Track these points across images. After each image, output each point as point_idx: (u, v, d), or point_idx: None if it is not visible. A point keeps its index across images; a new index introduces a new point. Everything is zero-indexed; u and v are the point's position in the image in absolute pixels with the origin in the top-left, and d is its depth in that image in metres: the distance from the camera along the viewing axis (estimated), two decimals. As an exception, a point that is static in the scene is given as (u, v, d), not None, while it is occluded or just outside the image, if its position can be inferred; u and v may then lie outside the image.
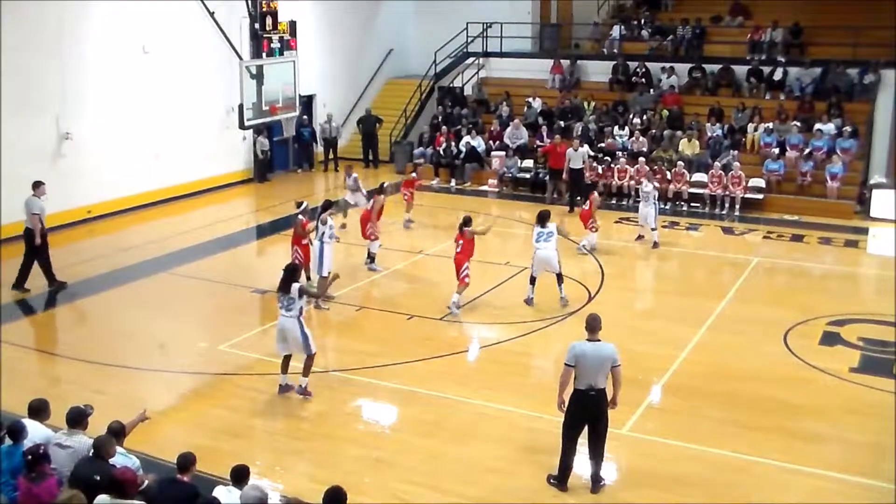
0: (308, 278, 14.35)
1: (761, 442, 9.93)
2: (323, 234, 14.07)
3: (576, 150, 21.13)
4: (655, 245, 17.72)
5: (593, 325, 8.76)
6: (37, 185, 14.82)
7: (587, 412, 8.73)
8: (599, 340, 8.71)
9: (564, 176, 21.28)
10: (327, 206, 14.49)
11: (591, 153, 22.02)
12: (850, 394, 11.30)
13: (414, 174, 20.15)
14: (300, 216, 14.48)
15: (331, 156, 26.00)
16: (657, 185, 18.72)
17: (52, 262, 15.12)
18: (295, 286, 10.80)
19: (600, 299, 14.72)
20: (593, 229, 17.36)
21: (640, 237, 18.31)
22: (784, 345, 12.80)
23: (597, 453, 8.91)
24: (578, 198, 20.50)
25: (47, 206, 14.95)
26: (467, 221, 14.20)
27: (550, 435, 9.28)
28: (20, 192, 14.73)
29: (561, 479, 8.98)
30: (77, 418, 7.84)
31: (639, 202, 21.46)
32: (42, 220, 14.73)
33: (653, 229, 17.77)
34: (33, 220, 14.69)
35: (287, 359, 11.10)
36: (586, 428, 8.84)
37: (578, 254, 16.88)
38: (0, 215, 16.78)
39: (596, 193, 18.31)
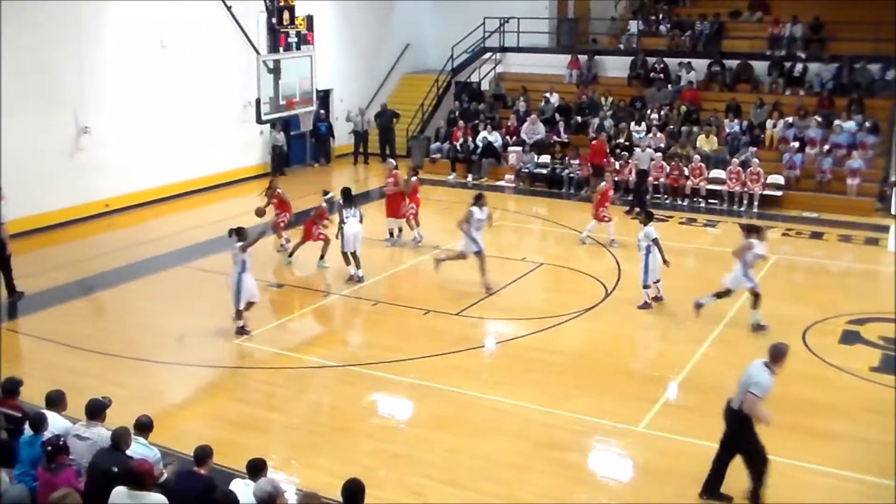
0: (322, 256, 15.87)
1: (778, 441, 9.77)
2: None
3: (643, 151, 21.03)
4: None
5: (774, 356, 8.46)
6: None
7: (725, 424, 8.64)
8: (768, 368, 8.38)
9: (632, 177, 21.10)
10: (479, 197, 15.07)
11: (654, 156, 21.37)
12: (871, 393, 11.20)
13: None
14: (324, 204, 15.93)
15: (360, 149, 26.15)
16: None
17: (70, 256, 15.17)
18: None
19: (617, 295, 14.68)
20: (606, 219, 17.37)
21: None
22: (803, 343, 12.69)
23: (747, 467, 8.59)
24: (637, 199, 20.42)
25: (64, 200, 14.97)
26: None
27: (566, 431, 9.27)
28: (39, 186, 14.76)
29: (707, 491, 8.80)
30: (96, 410, 7.89)
31: (657, 199, 21.53)
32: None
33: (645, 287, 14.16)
34: (2, 230, 13.82)
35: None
36: None
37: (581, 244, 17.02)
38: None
39: (604, 183, 17.94)
